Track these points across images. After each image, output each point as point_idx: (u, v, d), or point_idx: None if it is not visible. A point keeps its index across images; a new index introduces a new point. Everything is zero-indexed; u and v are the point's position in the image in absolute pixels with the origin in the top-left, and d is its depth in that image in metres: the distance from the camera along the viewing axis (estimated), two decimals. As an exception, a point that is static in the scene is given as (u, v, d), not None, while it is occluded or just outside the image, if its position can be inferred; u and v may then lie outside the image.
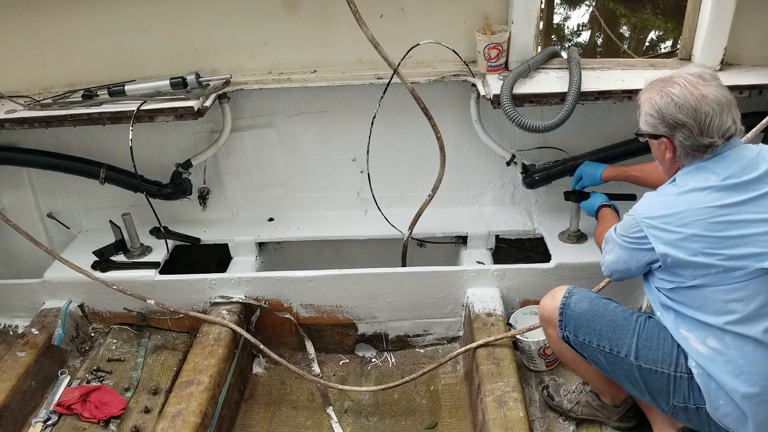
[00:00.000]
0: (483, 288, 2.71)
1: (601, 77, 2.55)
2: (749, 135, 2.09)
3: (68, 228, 3.19)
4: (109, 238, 2.92)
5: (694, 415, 1.79)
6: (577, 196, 2.62)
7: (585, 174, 2.60)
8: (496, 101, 2.44)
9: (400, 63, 2.42)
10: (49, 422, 2.41)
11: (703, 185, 1.70)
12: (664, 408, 1.84)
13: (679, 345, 1.77)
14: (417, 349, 2.87)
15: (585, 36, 7.85)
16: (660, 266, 1.75)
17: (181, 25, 2.69)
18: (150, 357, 2.73)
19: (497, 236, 2.99)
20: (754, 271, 1.64)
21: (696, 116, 1.67)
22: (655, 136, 1.79)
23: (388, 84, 2.56)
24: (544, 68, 2.66)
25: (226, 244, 3.07)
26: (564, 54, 2.75)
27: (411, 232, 2.85)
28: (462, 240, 3.04)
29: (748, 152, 1.73)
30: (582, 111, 2.67)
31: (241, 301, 2.76)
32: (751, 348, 1.67)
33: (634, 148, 2.67)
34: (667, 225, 1.71)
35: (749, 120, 1.82)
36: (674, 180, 1.79)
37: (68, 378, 2.64)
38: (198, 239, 3.03)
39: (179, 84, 2.61)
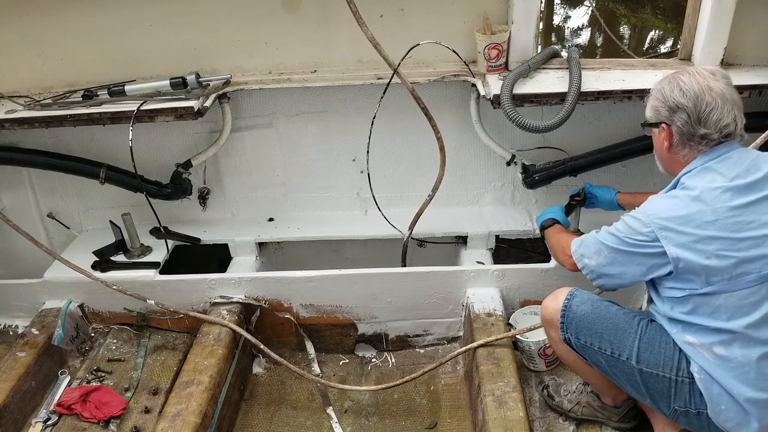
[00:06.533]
0: (483, 288, 2.71)
1: (601, 77, 2.55)
2: (758, 140, 2.10)
3: (68, 228, 3.19)
4: (109, 238, 2.92)
5: (695, 419, 1.79)
6: (580, 199, 2.61)
7: (601, 199, 2.55)
8: (496, 101, 2.44)
9: (400, 63, 2.42)
10: (49, 422, 2.41)
11: (712, 185, 1.69)
12: (665, 411, 1.84)
13: (681, 349, 1.77)
14: (417, 349, 2.87)
15: (585, 36, 7.84)
16: (669, 273, 1.72)
17: (181, 25, 2.68)
18: (150, 357, 2.73)
19: (497, 236, 2.99)
20: (767, 274, 1.64)
21: (697, 103, 1.69)
22: (656, 124, 1.80)
23: (388, 84, 2.56)
24: (544, 68, 2.66)
25: (226, 244, 3.07)
26: (564, 54, 2.75)
27: (411, 232, 2.85)
28: (462, 240, 3.04)
29: (749, 154, 1.75)
30: (582, 111, 2.67)
31: (241, 301, 2.76)
32: (758, 355, 1.66)
33: (634, 148, 2.68)
34: (682, 226, 1.68)
35: (750, 120, 1.83)
36: (680, 183, 1.77)
37: (68, 378, 2.64)
38: (198, 239, 3.03)
39: (179, 84, 2.60)
